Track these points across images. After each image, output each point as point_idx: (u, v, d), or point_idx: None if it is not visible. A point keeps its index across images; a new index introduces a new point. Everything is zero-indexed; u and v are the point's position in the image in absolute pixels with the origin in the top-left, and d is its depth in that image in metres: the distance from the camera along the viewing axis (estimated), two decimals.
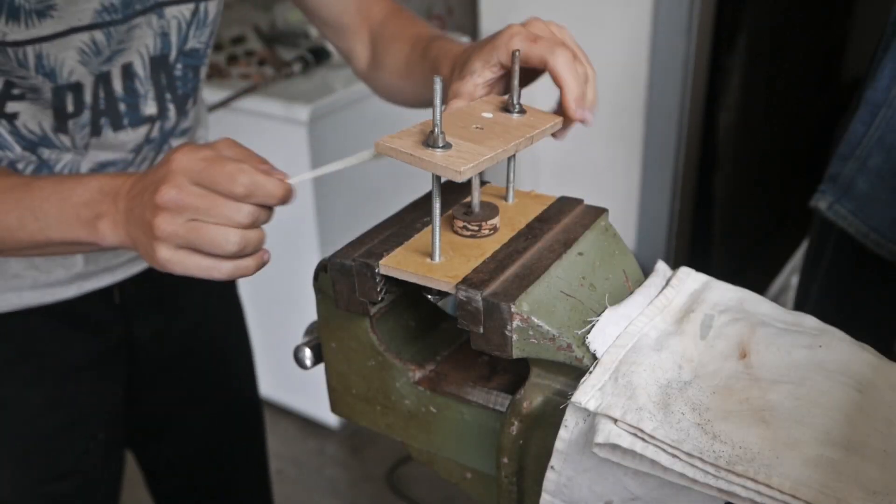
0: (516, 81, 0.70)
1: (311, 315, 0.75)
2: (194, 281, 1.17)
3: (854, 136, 1.12)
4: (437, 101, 0.60)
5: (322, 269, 0.69)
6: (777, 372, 0.58)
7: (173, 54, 0.93)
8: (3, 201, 0.74)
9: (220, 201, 0.64)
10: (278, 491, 2.20)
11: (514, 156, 0.73)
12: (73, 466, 1.06)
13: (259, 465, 1.36)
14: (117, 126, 0.92)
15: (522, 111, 0.71)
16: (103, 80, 0.88)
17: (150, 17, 0.89)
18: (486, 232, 0.67)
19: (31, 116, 0.86)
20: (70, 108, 0.87)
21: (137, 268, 1.05)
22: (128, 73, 0.90)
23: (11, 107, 0.85)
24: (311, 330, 0.77)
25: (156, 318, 1.11)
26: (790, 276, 2.10)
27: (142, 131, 0.94)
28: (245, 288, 2.27)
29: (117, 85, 0.90)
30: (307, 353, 0.75)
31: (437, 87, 0.59)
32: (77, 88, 0.86)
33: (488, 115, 0.70)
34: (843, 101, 1.32)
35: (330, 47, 2.08)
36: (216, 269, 0.66)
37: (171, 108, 0.96)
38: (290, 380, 2.26)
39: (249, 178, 0.64)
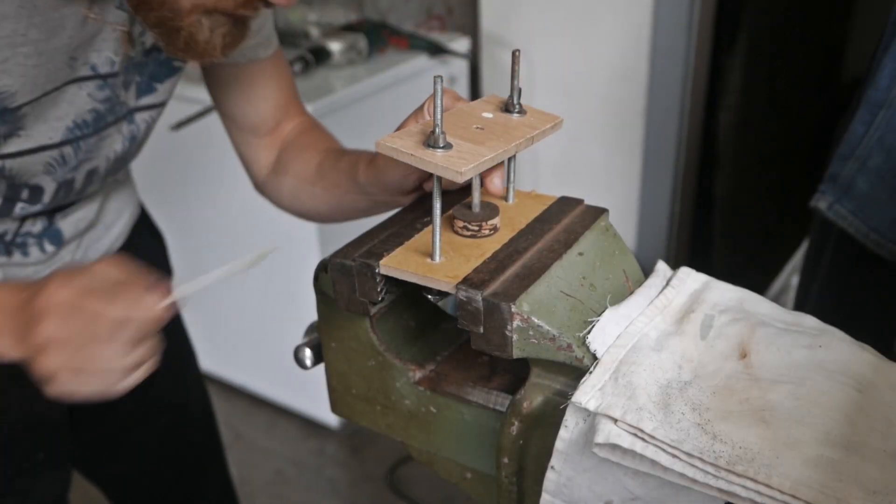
0: (516, 81, 0.70)
1: (311, 315, 0.75)
2: None
3: (854, 136, 1.12)
4: (438, 101, 0.60)
5: (322, 269, 0.69)
6: (777, 372, 0.58)
7: (135, 151, 0.94)
8: None
9: (99, 346, 0.63)
10: (278, 491, 2.21)
11: (514, 156, 0.73)
12: (7, 487, 1.02)
13: (222, 471, 1.32)
14: (59, 208, 0.91)
15: (522, 111, 0.71)
16: (66, 186, 0.88)
17: (120, 125, 0.88)
18: (487, 232, 0.67)
19: None
20: (24, 196, 0.85)
21: None
22: (90, 176, 0.90)
23: None
24: (311, 330, 0.77)
25: None
26: (790, 276, 2.10)
27: (78, 197, 0.94)
28: (245, 288, 2.28)
29: (78, 185, 0.89)
30: (307, 353, 0.75)
31: (438, 86, 0.59)
32: (36, 189, 0.85)
33: (488, 115, 0.70)
34: (843, 101, 1.32)
35: (330, 47, 2.08)
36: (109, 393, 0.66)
37: (110, 179, 0.96)
38: (290, 380, 2.26)
39: (120, 312, 0.64)
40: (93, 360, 0.63)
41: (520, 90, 0.70)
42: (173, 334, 1.21)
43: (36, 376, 0.66)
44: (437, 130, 0.61)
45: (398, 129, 0.71)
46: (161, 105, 0.93)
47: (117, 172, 0.96)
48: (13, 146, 0.79)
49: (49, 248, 0.95)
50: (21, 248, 0.93)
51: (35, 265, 0.96)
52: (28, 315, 0.65)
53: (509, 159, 0.72)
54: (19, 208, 0.86)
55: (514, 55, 0.69)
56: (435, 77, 0.59)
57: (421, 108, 0.73)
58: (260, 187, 1.06)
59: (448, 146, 0.61)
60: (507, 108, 0.71)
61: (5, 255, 0.92)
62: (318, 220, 1.03)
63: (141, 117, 0.91)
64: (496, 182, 0.71)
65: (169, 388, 1.20)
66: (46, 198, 0.87)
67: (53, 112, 0.80)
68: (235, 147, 1.05)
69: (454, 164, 0.60)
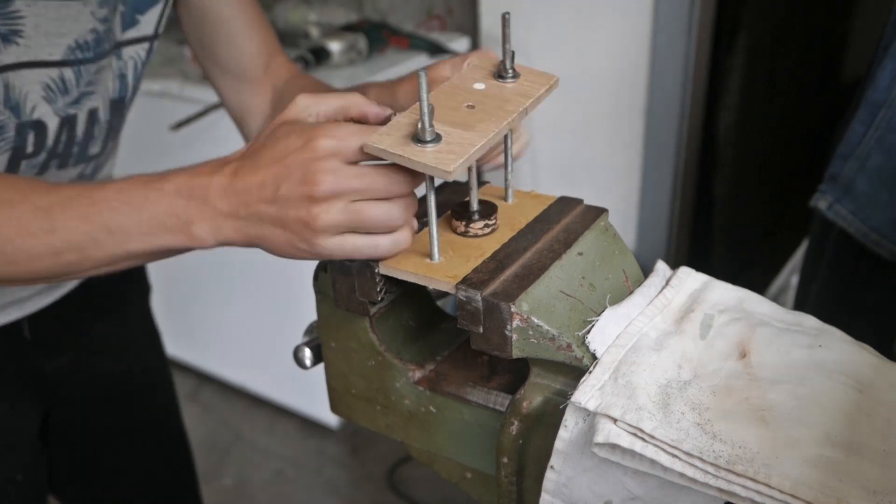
0: (508, 45, 0.68)
1: (311, 315, 0.75)
2: (109, 309, 1.09)
3: (854, 136, 1.12)
4: (424, 94, 0.58)
5: (322, 269, 0.69)
6: (777, 372, 0.58)
7: (128, 95, 0.91)
8: (66, 218, 0.66)
9: (377, 176, 0.60)
10: (278, 491, 2.21)
11: (513, 157, 0.73)
12: None
13: (194, 494, 1.30)
14: (63, 165, 0.88)
15: (516, 75, 0.69)
16: (69, 123, 0.85)
17: (111, 59, 0.86)
18: (486, 231, 0.67)
19: None
20: (30, 148, 0.82)
21: (48, 299, 0.99)
22: (92, 118, 0.87)
23: None
24: (311, 330, 0.77)
25: (70, 352, 1.05)
26: (790, 276, 2.10)
27: (80, 168, 0.91)
28: (245, 288, 2.28)
29: (80, 129, 0.86)
30: (307, 353, 0.75)
31: (423, 80, 0.58)
32: (39, 128, 0.82)
33: (480, 86, 0.67)
34: (843, 101, 1.32)
35: (330, 47, 2.08)
36: (375, 248, 0.62)
37: (110, 144, 0.94)
38: (290, 380, 2.26)
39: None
40: (373, 190, 0.60)
41: (513, 53, 0.68)
42: (150, 352, 1.20)
43: (282, 247, 0.62)
44: (424, 124, 0.59)
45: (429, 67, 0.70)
46: (145, 41, 0.89)
47: (115, 132, 0.93)
48: (12, 55, 0.76)
49: None
50: None
51: (29, 286, 0.95)
52: (280, 172, 0.61)
53: (509, 159, 0.72)
54: (24, 164, 0.83)
55: (504, 18, 0.67)
56: (419, 71, 0.58)
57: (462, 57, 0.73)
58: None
59: (437, 139, 0.59)
60: (499, 73, 0.69)
61: None
62: None
63: (127, 53, 0.88)
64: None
65: (145, 409, 1.19)
66: (49, 139, 0.83)
67: (56, 27, 0.78)
68: (227, 103, 1.02)
69: (443, 161, 0.58)
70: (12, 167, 0.83)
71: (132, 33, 0.88)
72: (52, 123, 0.83)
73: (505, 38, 0.68)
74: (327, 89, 0.98)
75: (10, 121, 0.79)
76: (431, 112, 0.59)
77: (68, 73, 0.81)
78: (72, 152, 0.88)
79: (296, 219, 0.60)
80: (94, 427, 1.13)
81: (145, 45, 0.89)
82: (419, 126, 0.59)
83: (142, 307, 1.19)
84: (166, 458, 1.24)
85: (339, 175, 0.59)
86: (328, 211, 0.59)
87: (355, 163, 0.61)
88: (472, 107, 0.65)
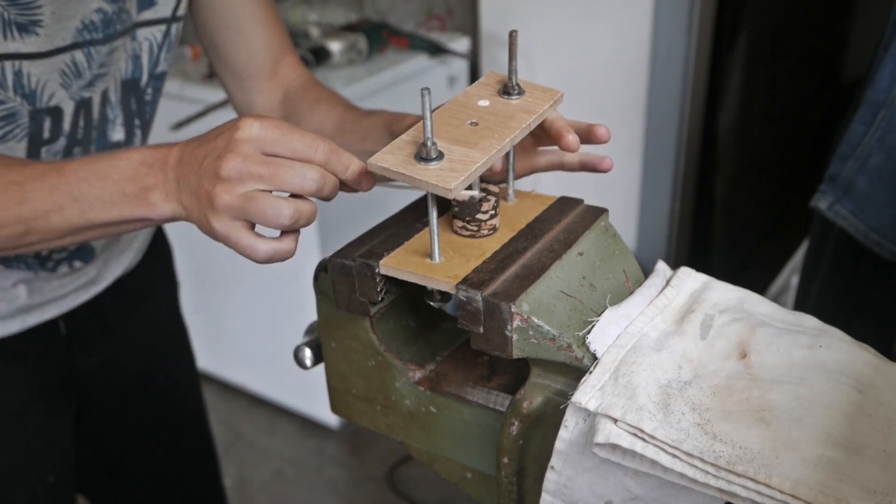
0: (514, 62, 0.69)
1: (311, 315, 0.75)
2: (140, 305, 1.11)
3: (854, 136, 1.12)
4: (427, 113, 0.59)
5: (322, 269, 0.69)
6: (777, 372, 0.58)
7: (144, 78, 0.91)
8: (36, 189, 0.68)
9: (284, 168, 0.61)
10: (278, 491, 2.21)
11: (513, 156, 0.73)
12: None
13: (216, 491, 1.30)
14: (86, 153, 0.88)
15: (521, 91, 0.70)
16: (84, 106, 0.85)
17: (125, 40, 0.86)
18: (486, 232, 0.67)
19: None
20: (46, 134, 0.83)
21: (84, 297, 1.00)
22: (104, 98, 0.87)
23: None
24: (311, 330, 0.77)
25: (103, 347, 1.06)
26: (790, 276, 2.10)
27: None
28: (245, 288, 2.28)
29: (96, 112, 0.87)
30: (307, 353, 0.75)
31: (426, 100, 0.59)
32: (56, 113, 0.83)
33: (484, 102, 0.68)
34: (843, 101, 1.32)
35: (330, 47, 2.08)
36: (253, 249, 0.63)
37: (139, 133, 0.94)
38: (290, 380, 2.26)
39: (329, 144, 0.63)
40: (276, 180, 0.61)
41: (517, 71, 0.69)
42: (179, 349, 1.21)
43: (196, 220, 0.64)
44: (427, 143, 0.60)
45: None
46: (161, 22, 0.89)
47: (140, 117, 0.93)
48: (32, 45, 0.77)
49: (77, 264, 0.95)
50: (51, 261, 0.92)
51: (60, 278, 0.96)
52: (208, 148, 0.63)
53: (509, 158, 0.72)
54: (44, 151, 0.84)
55: (512, 36, 0.68)
56: (422, 90, 0.59)
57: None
58: None
59: (440, 157, 0.61)
60: (505, 89, 0.70)
61: (35, 269, 0.91)
62: None
63: (142, 35, 0.88)
64: (570, 139, 0.71)
65: (172, 406, 1.19)
66: (66, 124, 0.84)
67: (65, 10, 0.78)
68: (233, 100, 1.02)
69: (444, 179, 0.59)
70: (32, 154, 0.83)
71: (148, 14, 0.88)
72: (69, 108, 0.84)
73: (512, 55, 0.68)
74: (339, 100, 0.98)
75: (23, 108, 0.80)
76: (432, 128, 0.60)
77: (79, 55, 0.82)
78: (91, 137, 0.88)
79: (205, 192, 0.62)
80: (123, 425, 1.14)
81: (162, 27, 0.89)
82: (423, 144, 0.60)
83: (171, 303, 1.20)
84: (192, 455, 1.24)
85: (247, 159, 0.61)
86: (227, 191, 0.61)
87: (273, 155, 0.62)
88: (476, 124, 0.66)
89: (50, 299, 0.96)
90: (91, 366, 1.05)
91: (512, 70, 0.69)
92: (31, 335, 0.96)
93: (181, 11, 0.91)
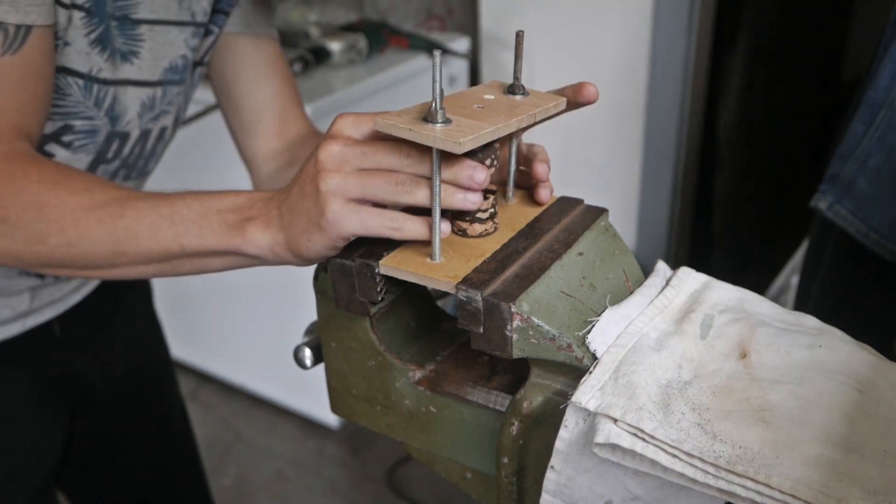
0: (520, 63, 0.68)
1: (311, 315, 0.75)
2: (122, 300, 1.13)
3: (854, 136, 1.12)
4: (437, 74, 0.58)
5: (322, 269, 0.69)
6: (777, 372, 0.58)
7: (182, 116, 0.97)
8: (137, 208, 0.69)
9: (382, 149, 0.61)
10: (278, 491, 2.21)
11: (514, 156, 0.72)
12: None
13: (202, 486, 1.30)
14: (127, 177, 0.92)
15: (526, 93, 0.69)
16: (144, 137, 0.90)
17: (186, 84, 0.91)
18: (486, 232, 0.67)
19: (64, 161, 0.84)
20: (110, 154, 0.87)
21: (77, 297, 1.02)
22: (162, 134, 0.92)
23: (52, 148, 0.83)
24: (311, 330, 0.77)
25: (93, 345, 1.07)
26: (790, 276, 2.10)
27: (135, 184, 0.95)
28: (245, 288, 2.28)
29: (150, 144, 0.91)
30: (307, 353, 0.75)
31: (437, 59, 0.58)
32: (124, 138, 0.87)
33: (490, 96, 0.68)
34: (843, 101, 1.32)
35: (330, 47, 2.08)
36: (394, 221, 0.62)
37: (157, 163, 0.99)
38: (290, 380, 2.26)
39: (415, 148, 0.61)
40: (378, 159, 0.61)
41: (521, 71, 0.69)
42: (157, 345, 1.21)
43: (299, 236, 0.64)
44: (435, 105, 0.59)
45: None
46: (196, 66, 0.94)
47: (165, 147, 0.98)
48: (126, 72, 0.81)
49: None
50: None
51: (61, 283, 0.97)
52: (303, 174, 0.64)
53: (509, 158, 0.72)
54: (100, 170, 0.87)
55: (518, 36, 0.68)
56: (434, 50, 0.58)
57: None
58: (263, 183, 1.05)
59: (447, 122, 0.60)
60: (510, 90, 0.69)
61: (44, 276, 0.92)
62: None
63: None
64: (542, 194, 0.71)
65: (154, 402, 1.20)
66: (126, 149, 0.88)
67: (161, 50, 0.83)
68: (239, 147, 1.05)
69: (453, 135, 0.58)
70: (90, 170, 0.87)
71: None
72: (134, 135, 0.88)
73: (518, 55, 0.68)
74: None
75: (105, 127, 0.84)
76: (442, 94, 0.59)
77: (159, 92, 0.87)
78: (137, 165, 0.92)
79: (311, 190, 0.62)
80: (112, 424, 1.14)
81: (199, 70, 0.95)
82: (430, 108, 0.59)
83: (145, 297, 1.21)
84: (175, 451, 1.25)
85: (344, 147, 0.61)
86: (335, 175, 0.61)
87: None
88: (482, 107, 0.65)
89: (48, 302, 0.97)
90: (84, 365, 1.06)
91: (517, 70, 0.68)
92: (27, 339, 0.96)
93: (208, 58, 0.95)
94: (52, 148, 0.83)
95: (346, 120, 0.63)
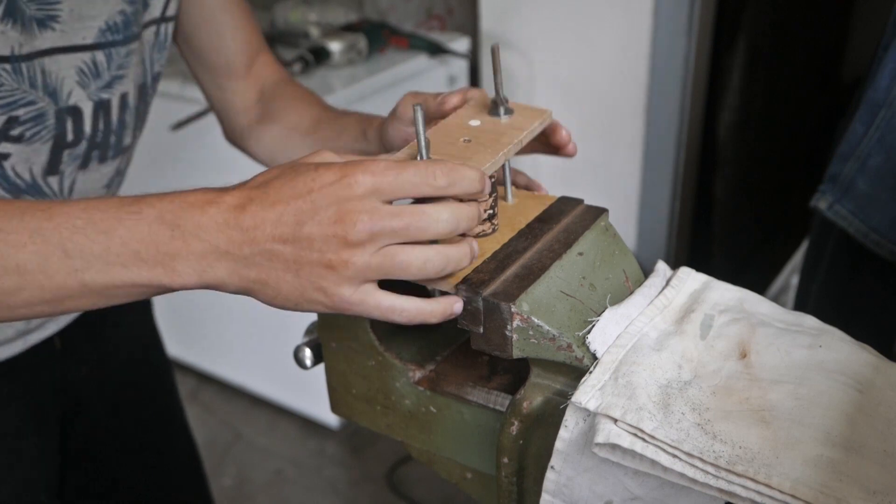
0: (499, 77, 0.69)
1: (311, 315, 0.75)
2: (122, 311, 1.10)
3: (854, 136, 1.12)
4: (420, 128, 0.59)
5: None
6: (777, 372, 0.58)
7: (149, 81, 0.91)
8: (12, 230, 0.54)
9: (415, 216, 0.54)
10: (278, 491, 2.21)
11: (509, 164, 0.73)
12: None
13: (203, 491, 1.28)
14: (103, 158, 0.87)
15: (509, 111, 0.71)
16: (103, 108, 0.84)
17: (139, 43, 0.86)
18: (486, 232, 0.67)
19: (23, 160, 0.79)
20: (70, 136, 0.82)
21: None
22: (124, 103, 0.87)
23: (4, 147, 0.77)
24: (311, 330, 0.77)
25: (90, 355, 1.05)
26: (790, 276, 2.10)
27: (117, 163, 0.91)
28: None
29: (114, 115, 0.86)
30: (307, 353, 0.75)
31: (418, 114, 0.59)
32: (76, 114, 0.82)
33: (475, 122, 0.70)
34: (843, 101, 1.32)
35: (330, 47, 2.08)
36: (401, 308, 0.57)
37: (137, 136, 0.93)
38: (290, 380, 2.26)
39: (441, 164, 0.56)
40: (410, 232, 0.54)
41: (503, 85, 0.70)
42: (154, 349, 1.20)
43: (293, 296, 0.56)
44: (422, 157, 0.61)
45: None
46: (153, 24, 0.89)
47: (141, 122, 0.94)
48: (48, 40, 0.76)
49: None
50: None
51: None
52: (305, 210, 0.53)
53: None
54: (66, 155, 0.82)
55: (494, 50, 0.68)
56: (414, 106, 0.59)
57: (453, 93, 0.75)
58: (237, 136, 1.03)
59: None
60: (494, 107, 0.71)
61: None
62: None
63: (145, 37, 0.88)
64: (570, 149, 0.75)
65: (152, 408, 1.19)
66: (87, 125, 0.82)
67: (88, 9, 0.78)
68: (210, 99, 1.03)
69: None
70: (55, 157, 0.82)
71: (146, 16, 0.88)
72: (87, 108, 0.82)
73: (496, 69, 0.69)
74: (316, 99, 1.00)
75: (50, 107, 0.79)
76: (428, 145, 0.61)
77: (100, 56, 0.81)
78: (110, 142, 0.88)
79: (319, 262, 0.53)
80: (109, 432, 1.12)
81: (153, 28, 0.90)
82: (418, 156, 0.61)
83: (145, 306, 1.19)
84: (175, 456, 1.23)
85: (374, 215, 0.53)
86: (361, 255, 0.53)
87: (391, 202, 0.55)
88: (469, 141, 0.67)
89: (51, 318, 0.95)
90: (80, 377, 1.04)
91: (498, 84, 0.70)
92: (28, 356, 0.95)
93: (170, 12, 0.91)
94: (4, 147, 0.76)
95: (365, 170, 0.55)
